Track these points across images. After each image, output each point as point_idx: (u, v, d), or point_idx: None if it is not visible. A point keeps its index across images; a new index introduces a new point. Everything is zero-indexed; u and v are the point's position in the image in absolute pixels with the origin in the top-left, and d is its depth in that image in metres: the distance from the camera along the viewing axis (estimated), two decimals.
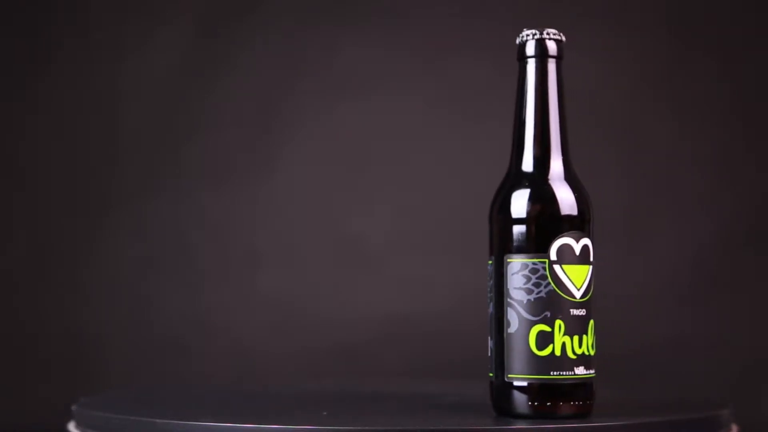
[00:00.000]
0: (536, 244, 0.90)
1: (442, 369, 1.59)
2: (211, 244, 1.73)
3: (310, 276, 1.70)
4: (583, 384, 0.90)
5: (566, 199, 0.91)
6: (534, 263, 0.90)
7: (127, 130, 1.74)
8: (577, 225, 0.91)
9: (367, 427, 0.85)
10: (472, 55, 1.71)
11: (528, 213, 0.91)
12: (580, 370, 0.90)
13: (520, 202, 0.91)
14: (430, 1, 1.72)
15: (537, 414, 0.89)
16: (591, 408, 0.91)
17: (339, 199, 1.70)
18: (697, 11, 1.69)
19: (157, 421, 0.90)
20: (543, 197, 0.91)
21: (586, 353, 0.90)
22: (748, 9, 1.68)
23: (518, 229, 0.91)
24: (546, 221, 0.90)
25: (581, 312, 0.90)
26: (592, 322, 0.91)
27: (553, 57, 0.92)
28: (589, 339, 0.91)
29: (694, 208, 1.67)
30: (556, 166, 0.92)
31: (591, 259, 0.92)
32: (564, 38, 0.93)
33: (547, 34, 0.92)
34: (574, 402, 0.89)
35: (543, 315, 0.89)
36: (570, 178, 0.92)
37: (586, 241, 0.91)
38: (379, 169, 1.71)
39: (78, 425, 1.01)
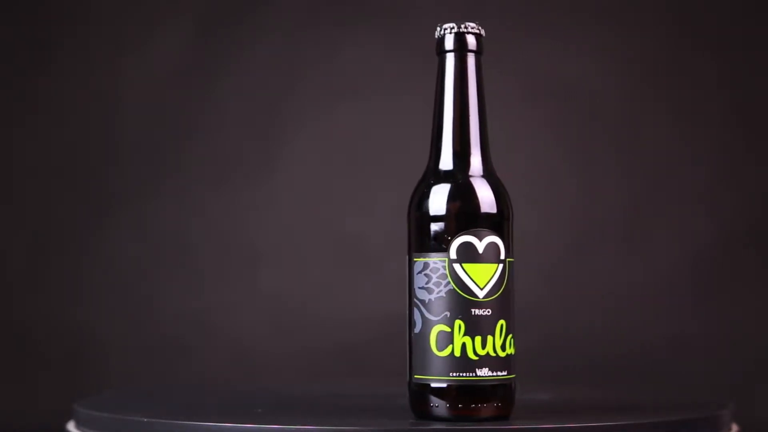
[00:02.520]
0: (436, 242, 0.88)
1: None
2: (211, 244, 1.73)
3: (310, 276, 1.70)
4: (489, 386, 0.87)
5: (467, 197, 0.88)
6: (434, 262, 0.88)
7: (127, 130, 1.74)
8: (481, 223, 0.88)
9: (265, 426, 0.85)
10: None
11: (427, 211, 0.89)
12: (483, 372, 0.86)
13: (422, 201, 0.89)
14: (431, 1, 1.72)
15: (438, 416, 0.87)
16: (500, 411, 0.87)
17: (339, 199, 1.70)
18: (697, 11, 1.69)
19: (157, 421, 0.90)
20: (442, 195, 0.88)
21: (492, 354, 0.87)
22: (748, 9, 1.68)
23: (421, 228, 0.89)
24: (445, 219, 0.88)
25: (485, 312, 0.87)
26: (502, 322, 0.88)
27: (472, 51, 0.90)
28: (497, 340, 0.87)
29: (694, 208, 1.67)
30: (472, 162, 0.89)
31: (501, 257, 0.89)
32: (483, 32, 0.91)
33: (466, 27, 0.91)
34: (476, 405, 0.86)
35: (443, 315, 0.87)
36: (484, 175, 0.89)
37: (492, 239, 0.88)
38: (379, 169, 1.71)
39: (78, 425, 1.01)
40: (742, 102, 1.68)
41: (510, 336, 0.89)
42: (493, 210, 0.89)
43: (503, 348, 0.88)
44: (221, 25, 1.74)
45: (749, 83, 1.68)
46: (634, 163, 1.70)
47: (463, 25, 0.91)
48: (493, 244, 0.88)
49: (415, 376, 0.88)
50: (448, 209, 0.88)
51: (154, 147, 1.74)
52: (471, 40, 0.91)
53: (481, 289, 0.87)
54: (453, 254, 0.87)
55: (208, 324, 1.72)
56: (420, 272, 0.88)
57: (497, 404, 0.87)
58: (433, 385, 0.87)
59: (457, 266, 0.87)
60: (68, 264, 1.72)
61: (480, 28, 0.92)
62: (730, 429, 1.00)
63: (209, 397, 1.14)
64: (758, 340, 1.63)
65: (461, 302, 0.87)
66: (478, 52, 0.91)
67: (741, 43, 1.68)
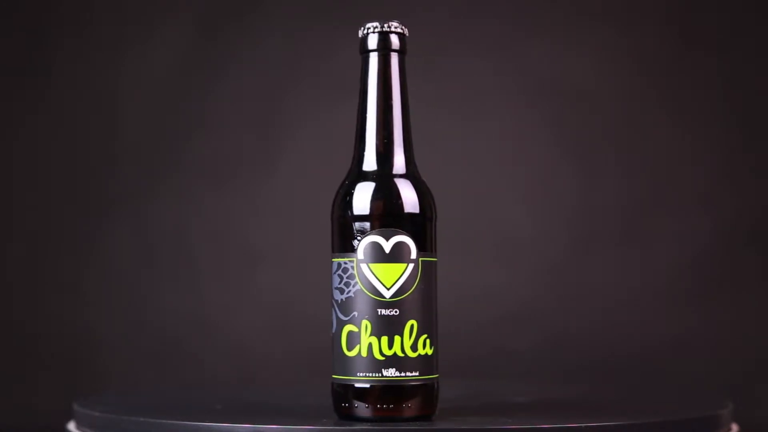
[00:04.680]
0: (347, 243, 0.88)
1: (442, 369, 1.59)
2: (211, 244, 1.73)
3: (310, 276, 1.70)
4: (396, 387, 0.86)
5: (374, 198, 0.88)
6: (345, 262, 0.88)
7: (127, 130, 1.74)
8: (388, 222, 0.87)
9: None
10: (473, 55, 1.71)
11: (338, 212, 0.89)
12: (389, 372, 0.86)
13: (335, 202, 0.90)
14: (431, 2, 1.72)
15: (345, 416, 0.87)
16: (410, 412, 0.87)
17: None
18: (697, 11, 1.69)
19: (157, 421, 0.90)
20: (351, 196, 0.88)
21: (400, 355, 0.86)
22: (748, 9, 1.68)
23: (335, 229, 0.90)
24: (353, 219, 0.88)
25: (392, 312, 0.86)
26: (413, 322, 0.87)
27: (395, 51, 0.90)
28: (407, 340, 0.86)
29: (694, 208, 1.67)
30: (392, 162, 0.89)
31: (412, 257, 0.87)
32: (407, 32, 0.91)
33: (390, 27, 0.90)
34: (382, 405, 0.86)
35: (351, 315, 0.87)
36: (403, 174, 0.89)
37: (401, 238, 0.87)
38: None
39: (78, 425, 1.01)
40: (742, 102, 1.68)
41: (424, 336, 0.87)
42: (404, 209, 0.88)
43: (414, 348, 0.87)
44: (221, 25, 1.74)
45: (749, 83, 1.68)
46: (634, 163, 1.70)
47: (386, 25, 0.91)
48: (402, 244, 0.87)
49: (332, 376, 0.89)
50: (354, 209, 0.88)
51: (154, 147, 1.74)
52: (394, 40, 0.90)
53: (388, 289, 0.87)
54: (360, 254, 0.87)
55: (208, 324, 1.72)
56: (335, 272, 0.89)
57: (406, 405, 0.86)
58: (345, 384, 0.88)
59: (364, 266, 0.87)
60: (68, 264, 1.72)
61: (404, 27, 0.91)
62: (730, 429, 1.00)
63: (208, 397, 1.14)
64: (758, 340, 1.63)
65: (368, 302, 0.87)
66: (401, 52, 0.90)
67: (741, 43, 1.68)
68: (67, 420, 1.05)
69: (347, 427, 0.85)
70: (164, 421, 0.90)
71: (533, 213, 1.70)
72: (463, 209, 1.70)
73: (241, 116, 1.74)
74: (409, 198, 0.88)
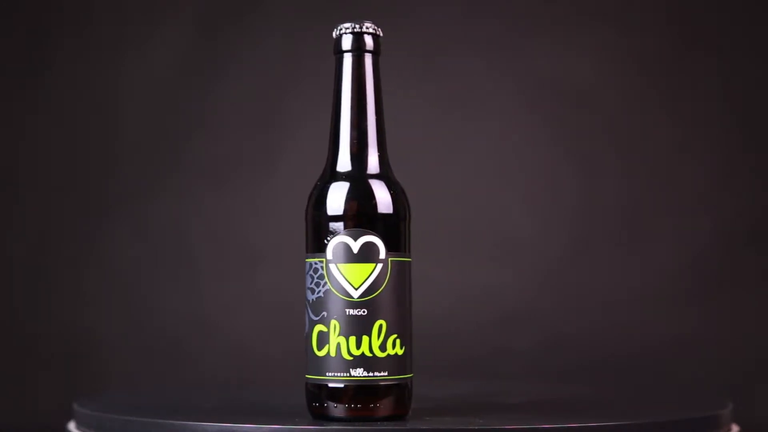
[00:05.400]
0: (318, 243, 0.88)
1: (441, 369, 1.59)
2: (211, 244, 1.73)
3: None
4: (365, 387, 0.86)
5: (343, 198, 0.88)
6: (316, 263, 0.88)
7: (127, 130, 1.74)
8: (358, 223, 0.87)
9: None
10: (473, 55, 1.71)
11: (309, 213, 0.89)
12: (357, 372, 0.86)
13: (308, 202, 0.90)
14: (431, 2, 1.72)
15: (318, 416, 0.88)
16: (380, 412, 0.86)
17: None
18: (697, 11, 1.69)
19: (157, 421, 0.90)
20: (322, 197, 0.88)
21: (368, 355, 0.86)
22: (748, 9, 1.68)
23: (308, 229, 0.90)
24: (322, 220, 0.88)
25: (360, 312, 0.86)
26: (381, 322, 0.86)
27: (369, 52, 0.90)
28: (375, 340, 0.86)
29: (694, 208, 1.67)
30: (366, 162, 0.89)
31: (381, 257, 0.87)
32: (381, 33, 0.91)
33: (363, 28, 0.91)
34: (351, 404, 0.86)
35: (321, 315, 0.87)
36: (376, 175, 0.89)
37: (370, 238, 0.87)
38: None
39: (78, 425, 1.01)
40: (741, 102, 1.68)
41: (394, 336, 0.87)
42: (373, 210, 0.88)
43: (383, 348, 0.86)
44: (221, 25, 1.74)
45: (749, 83, 1.68)
46: (634, 163, 1.70)
47: (360, 26, 0.91)
48: (371, 244, 0.87)
49: (305, 376, 0.89)
50: (324, 210, 0.88)
51: (154, 147, 1.74)
52: (368, 41, 0.91)
53: (356, 289, 0.87)
54: (329, 255, 0.87)
55: (208, 324, 1.72)
56: (307, 273, 0.89)
57: (375, 405, 0.86)
58: (315, 384, 0.88)
59: (332, 266, 0.87)
60: (68, 264, 1.72)
61: (377, 28, 0.91)
62: (730, 429, 1.00)
63: (208, 397, 1.14)
64: (758, 340, 1.63)
65: (336, 302, 0.87)
66: (375, 53, 0.91)
67: (741, 43, 1.68)
68: (67, 420, 1.05)
69: (320, 427, 0.85)
70: (164, 421, 0.90)
71: (533, 213, 1.70)
72: (463, 209, 1.70)
73: (241, 116, 1.74)
74: (379, 198, 0.88)
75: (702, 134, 1.68)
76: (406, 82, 1.72)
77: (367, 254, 0.87)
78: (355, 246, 0.87)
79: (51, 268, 1.72)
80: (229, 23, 1.73)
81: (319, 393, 0.87)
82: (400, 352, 0.87)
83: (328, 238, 0.87)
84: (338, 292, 0.87)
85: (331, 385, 0.86)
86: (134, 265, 1.72)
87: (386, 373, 0.86)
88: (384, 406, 0.86)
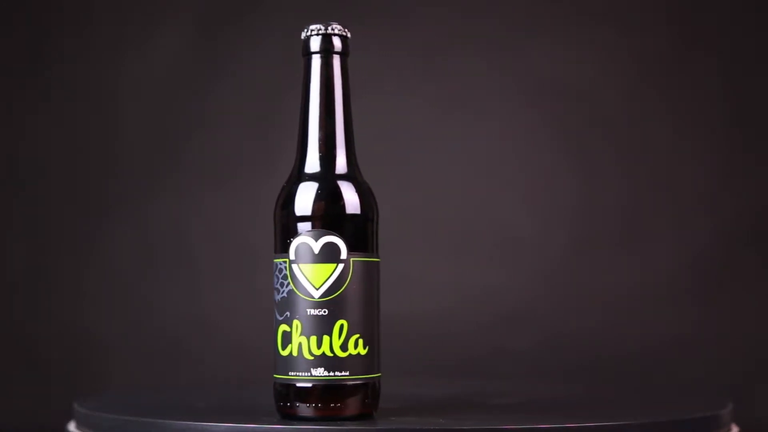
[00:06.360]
0: (281, 244, 0.89)
1: (442, 369, 1.59)
2: (211, 244, 1.73)
3: None
4: (327, 386, 0.86)
5: (306, 199, 0.89)
6: (280, 263, 0.89)
7: (127, 130, 1.74)
8: (319, 224, 0.88)
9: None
10: (473, 55, 1.71)
11: (275, 213, 0.90)
12: (318, 372, 0.86)
13: (276, 203, 0.91)
14: (431, 3, 1.72)
15: (282, 415, 0.88)
16: (342, 411, 0.87)
17: None
18: (697, 11, 1.69)
19: (157, 421, 0.90)
20: (286, 198, 0.90)
21: (329, 354, 0.86)
22: (748, 9, 1.68)
23: (276, 230, 0.90)
24: (285, 221, 0.89)
25: (321, 312, 0.87)
26: (342, 322, 0.87)
27: (337, 53, 0.91)
28: (336, 340, 0.86)
29: (694, 208, 1.67)
30: (335, 163, 0.90)
31: (342, 257, 0.87)
32: (349, 34, 0.92)
33: (332, 29, 0.91)
34: (312, 404, 0.86)
35: (285, 315, 0.88)
36: (339, 176, 0.90)
37: (331, 239, 0.87)
38: (378, 169, 1.71)
39: (78, 425, 1.01)
40: (741, 102, 1.68)
41: (356, 336, 0.87)
42: (338, 210, 0.88)
43: (344, 348, 0.87)
44: (221, 25, 1.74)
45: (749, 83, 1.68)
46: (634, 163, 1.70)
47: (329, 27, 0.92)
48: (332, 245, 0.87)
49: (273, 375, 0.89)
50: (288, 211, 0.89)
51: (154, 147, 1.74)
52: (336, 42, 0.91)
53: (317, 289, 0.87)
54: (292, 255, 0.88)
55: (208, 324, 1.72)
56: (275, 273, 0.89)
57: (335, 404, 0.86)
58: (280, 383, 0.88)
59: (295, 267, 0.88)
60: (68, 264, 1.72)
61: (346, 30, 0.92)
62: (730, 429, 1.00)
63: (208, 397, 1.14)
64: (758, 340, 1.63)
65: (298, 302, 0.87)
66: (343, 54, 0.91)
67: (741, 43, 1.68)
68: (67, 420, 1.05)
69: (289, 426, 0.86)
70: (164, 421, 0.90)
71: (533, 213, 1.70)
72: (462, 209, 1.70)
73: (241, 116, 1.74)
74: (343, 199, 0.89)
75: (702, 134, 1.68)
76: (406, 82, 1.72)
77: (328, 255, 0.87)
78: (316, 246, 0.87)
79: (51, 268, 1.72)
80: (229, 23, 1.73)
81: (288, 392, 0.88)
82: (363, 351, 0.87)
83: (291, 239, 0.88)
84: (300, 292, 0.87)
85: (296, 384, 0.87)
86: (134, 265, 1.72)
87: (348, 373, 0.87)
88: (347, 406, 0.87)
